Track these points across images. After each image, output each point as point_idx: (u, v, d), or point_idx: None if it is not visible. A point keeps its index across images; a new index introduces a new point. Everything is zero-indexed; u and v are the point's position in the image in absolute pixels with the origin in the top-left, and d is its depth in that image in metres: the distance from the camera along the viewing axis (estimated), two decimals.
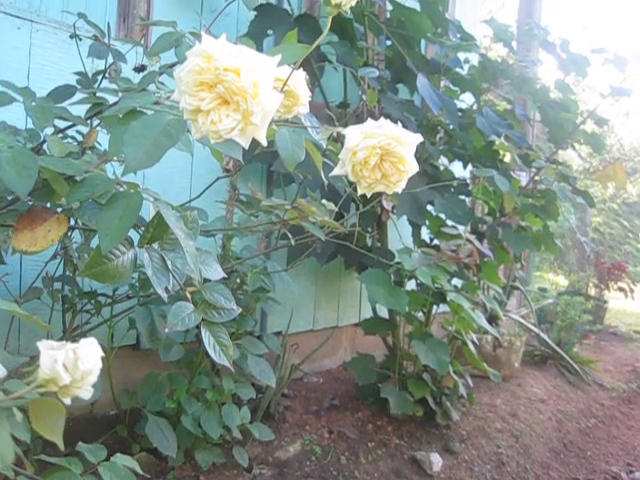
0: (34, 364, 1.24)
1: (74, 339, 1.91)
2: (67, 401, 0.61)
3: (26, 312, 0.79)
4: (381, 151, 0.86)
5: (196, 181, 2.52)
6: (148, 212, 1.07)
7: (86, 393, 0.63)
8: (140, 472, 1.16)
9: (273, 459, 2.33)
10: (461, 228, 2.92)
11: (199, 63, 0.69)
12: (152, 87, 1.36)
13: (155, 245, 1.07)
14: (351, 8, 3.11)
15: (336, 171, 0.91)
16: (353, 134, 0.87)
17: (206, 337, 1.10)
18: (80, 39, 1.78)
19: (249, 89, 0.69)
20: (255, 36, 2.56)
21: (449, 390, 2.88)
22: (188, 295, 1.11)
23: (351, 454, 2.48)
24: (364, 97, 2.08)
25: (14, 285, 1.91)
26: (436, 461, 2.52)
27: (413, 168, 0.89)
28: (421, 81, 2.61)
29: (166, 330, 1.06)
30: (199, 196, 1.72)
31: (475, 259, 2.26)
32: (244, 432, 2.21)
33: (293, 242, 1.82)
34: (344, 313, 3.57)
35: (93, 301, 1.92)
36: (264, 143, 0.73)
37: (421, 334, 2.76)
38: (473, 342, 2.91)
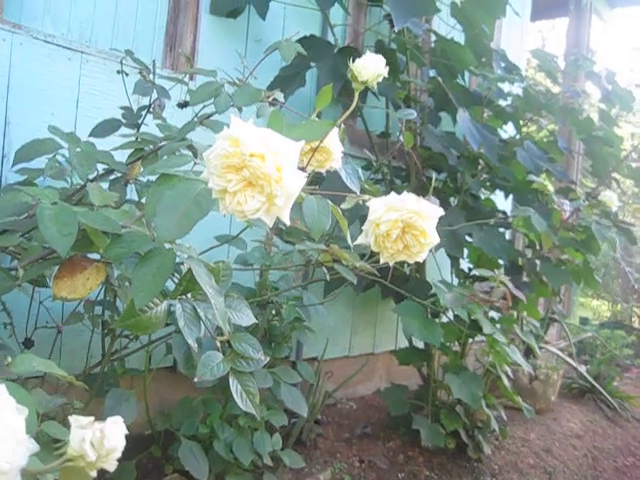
0: (71, 402, 1.29)
1: (112, 363, 1.97)
2: (93, 474, 0.66)
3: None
4: (403, 224, 0.89)
5: None
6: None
7: (111, 467, 0.67)
8: None
9: None
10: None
11: (226, 147, 0.73)
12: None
13: (188, 294, 1.12)
14: (394, 39, 3.11)
15: (360, 240, 0.94)
16: (376, 206, 0.90)
17: (234, 385, 1.14)
18: (127, 74, 1.85)
19: (273, 175, 0.73)
20: (298, 68, 2.61)
21: (482, 423, 2.86)
22: (218, 344, 1.16)
23: None
24: (401, 138, 2.11)
25: (57, 310, 1.98)
26: None
27: (434, 240, 0.91)
28: (461, 116, 2.62)
29: (195, 380, 1.10)
30: (237, 236, 1.76)
31: (508, 302, 2.26)
32: (275, 458, 2.23)
33: (328, 277, 1.85)
34: (380, 340, 3.57)
35: None
36: (287, 222, 0.77)
37: (455, 367, 2.76)
38: (507, 375, 2.90)
